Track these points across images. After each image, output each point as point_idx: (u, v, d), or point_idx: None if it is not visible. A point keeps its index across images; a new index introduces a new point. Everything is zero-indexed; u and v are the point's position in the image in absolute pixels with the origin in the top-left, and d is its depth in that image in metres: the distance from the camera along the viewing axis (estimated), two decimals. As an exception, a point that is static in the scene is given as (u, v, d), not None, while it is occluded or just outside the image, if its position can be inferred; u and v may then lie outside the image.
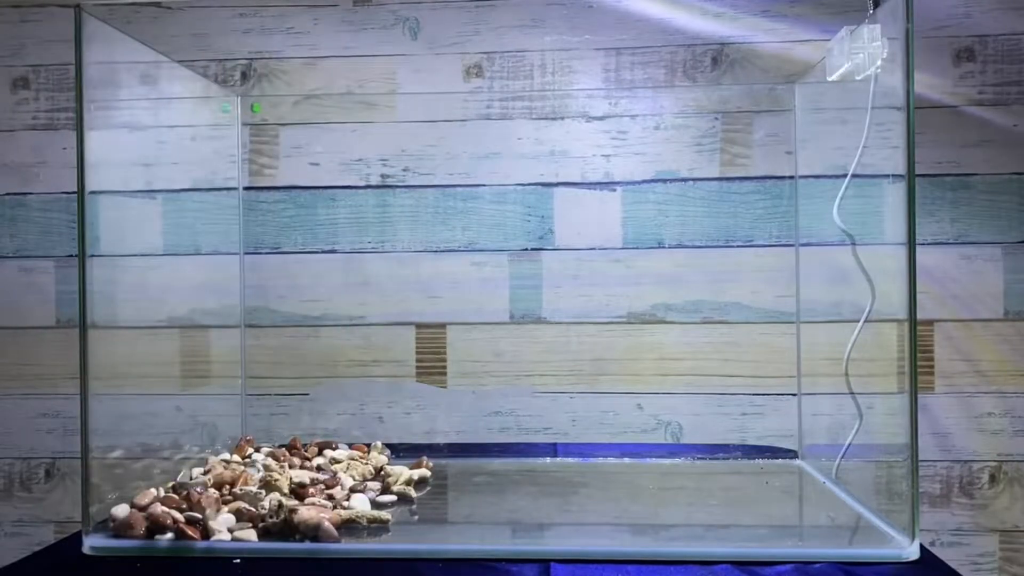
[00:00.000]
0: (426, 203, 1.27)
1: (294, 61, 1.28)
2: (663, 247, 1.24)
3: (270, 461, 1.01)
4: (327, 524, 0.78)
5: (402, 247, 1.27)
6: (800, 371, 1.20)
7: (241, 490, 0.87)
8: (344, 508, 0.86)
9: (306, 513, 0.79)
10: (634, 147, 1.25)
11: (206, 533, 0.80)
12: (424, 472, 1.03)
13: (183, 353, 1.20)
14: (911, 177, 0.77)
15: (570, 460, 1.14)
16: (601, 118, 1.25)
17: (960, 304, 1.21)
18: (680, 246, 1.24)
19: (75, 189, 0.82)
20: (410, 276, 1.27)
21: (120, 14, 0.96)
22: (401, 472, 1.00)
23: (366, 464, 1.03)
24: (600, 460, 1.14)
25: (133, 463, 0.95)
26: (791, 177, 1.22)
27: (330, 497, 0.89)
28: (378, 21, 1.27)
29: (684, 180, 1.24)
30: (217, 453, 1.11)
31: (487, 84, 1.26)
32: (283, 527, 0.80)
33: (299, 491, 0.88)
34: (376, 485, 0.97)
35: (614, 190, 1.25)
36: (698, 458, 1.16)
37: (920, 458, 1.03)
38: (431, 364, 1.27)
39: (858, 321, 0.96)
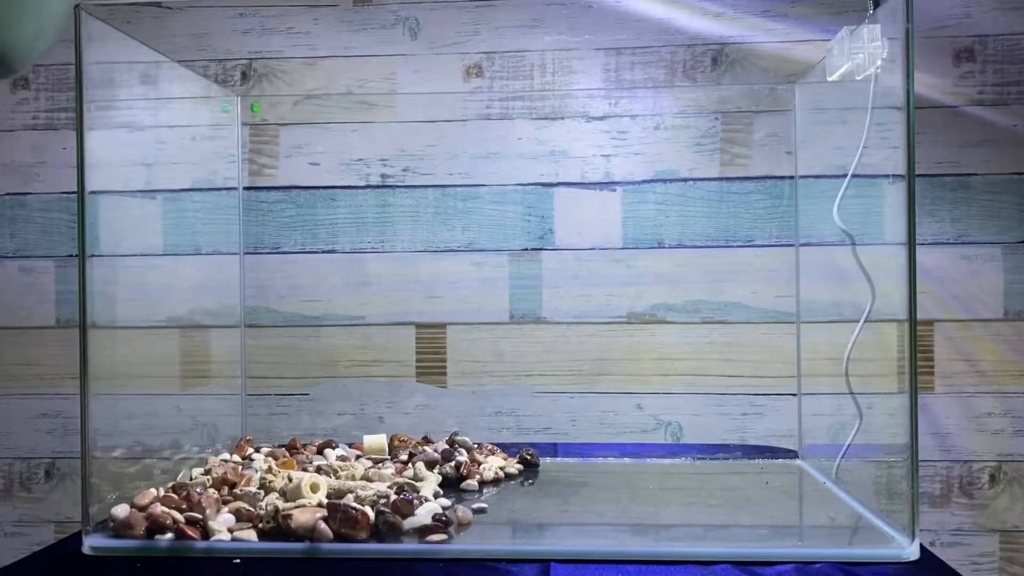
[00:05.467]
0: (426, 203, 1.27)
1: (294, 61, 1.28)
2: (663, 247, 1.24)
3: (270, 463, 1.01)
4: (322, 526, 0.78)
5: (402, 247, 1.27)
6: (800, 371, 1.20)
7: (241, 491, 0.87)
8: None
9: (301, 517, 0.79)
10: (634, 147, 1.25)
11: (206, 533, 0.80)
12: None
13: (183, 353, 1.20)
14: (911, 177, 0.77)
15: (570, 460, 1.14)
16: (601, 118, 1.25)
17: (960, 304, 1.21)
18: (680, 246, 1.24)
19: (75, 189, 0.82)
20: (410, 276, 1.27)
21: (120, 14, 0.96)
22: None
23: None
24: (600, 460, 1.14)
25: (133, 463, 0.95)
26: (791, 177, 1.22)
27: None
28: (378, 21, 1.27)
29: (684, 180, 1.24)
30: (217, 453, 1.11)
31: (487, 84, 1.26)
32: (279, 531, 0.80)
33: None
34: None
35: (614, 190, 1.25)
36: (698, 458, 1.16)
37: (920, 458, 1.03)
38: (431, 364, 1.27)
39: (858, 321, 0.96)
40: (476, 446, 1.11)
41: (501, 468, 1.04)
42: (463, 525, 0.83)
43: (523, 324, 1.26)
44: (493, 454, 1.09)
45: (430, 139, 1.27)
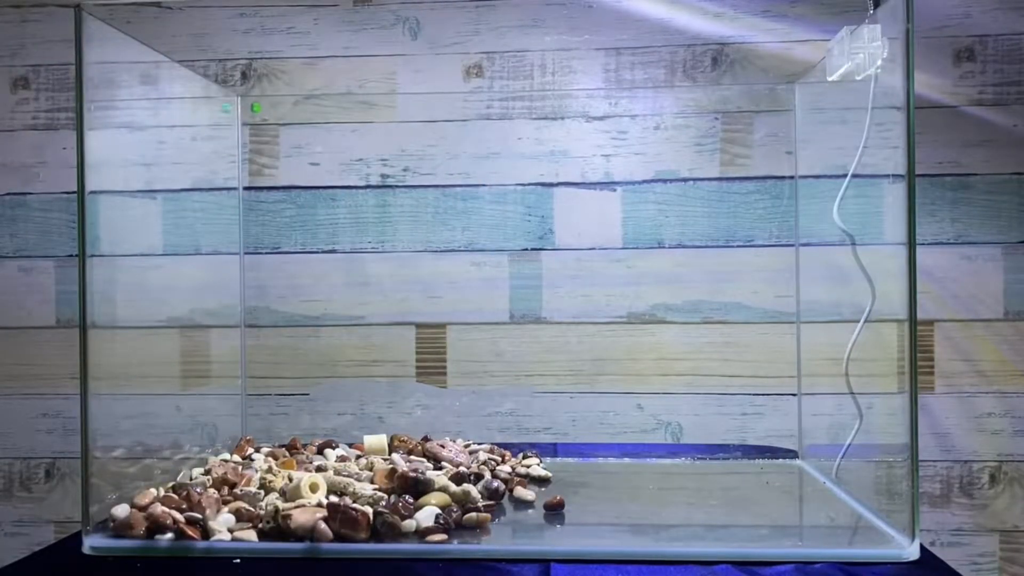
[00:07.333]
0: (426, 203, 1.27)
1: (294, 61, 1.28)
2: (663, 247, 1.24)
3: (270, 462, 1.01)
4: (322, 526, 0.78)
5: (402, 247, 1.27)
6: (800, 371, 1.20)
7: (241, 491, 0.87)
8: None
9: (300, 517, 0.79)
10: (634, 147, 1.25)
11: (206, 533, 0.80)
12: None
13: (183, 353, 1.20)
14: (911, 177, 0.77)
15: (570, 460, 1.14)
16: (601, 118, 1.25)
17: (960, 304, 1.21)
18: (680, 246, 1.24)
19: (75, 189, 0.82)
20: (410, 276, 1.27)
21: (120, 14, 0.96)
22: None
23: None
24: (600, 460, 1.14)
25: (133, 463, 0.95)
26: (791, 177, 1.22)
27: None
28: (378, 21, 1.27)
29: (684, 180, 1.24)
30: (217, 453, 1.11)
31: (487, 84, 1.26)
32: (278, 531, 0.80)
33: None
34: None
35: (614, 190, 1.25)
36: (698, 458, 1.16)
37: (920, 458, 1.03)
38: (431, 364, 1.27)
39: (858, 321, 0.96)
40: (490, 448, 1.12)
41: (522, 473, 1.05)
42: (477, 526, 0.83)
43: (523, 324, 1.26)
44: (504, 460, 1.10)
45: (430, 139, 1.27)
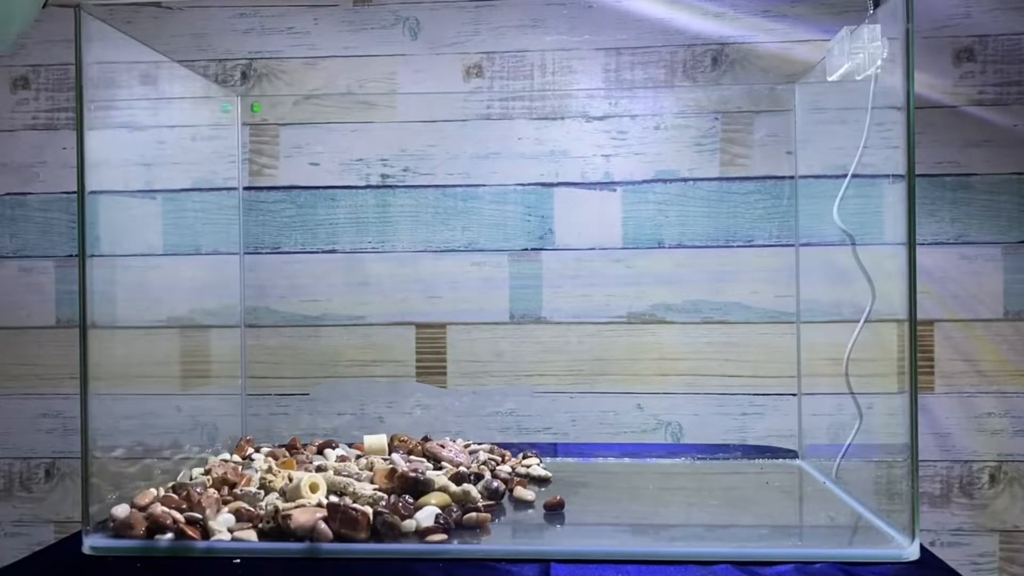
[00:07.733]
0: (426, 203, 1.27)
1: (294, 61, 1.28)
2: (663, 247, 1.24)
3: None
4: (322, 526, 0.78)
5: (402, 247, 1.27)
6: (800, 371, 1.20)
7: (241, 491, 0.88)
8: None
9: (300, 517, 0.79)
10: (634, 147, 1.25)
11: (206, 533, 0.80)
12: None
13: (183, 353, 1.20)
14: (911, 177, 0.77)
15: (570, 460, 1.14)
16: (601, 118, 1.25)
17: (960, 304, 1.21)
18: (680, 246, 1.24)
19: (75, 189, 0.82)
20: (410, 276, 1.27)
21: (120, 14, 0.96)
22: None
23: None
24: (600, 460, 1.14)
25: (133, 463, 0.95)
26: (791, 177, 1.22)
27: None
28: (378, 21, 1.27)
29: (684, 180, 1.24)
30: (217, 453, 1.11)
31: (487, 84, 1.26)
32: (279, 531, 0.80)
33: None
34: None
35: (614, 190, 1.25)
36: (698, 458, 1.16)
37: (920, 458, 1.03)
38: (431, 364, 1.27)
39: (858, 321, 0.96)
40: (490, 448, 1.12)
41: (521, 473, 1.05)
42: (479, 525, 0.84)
43: (523, 324, 1.26)
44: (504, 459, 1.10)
45: (430, 139, 1.27)
